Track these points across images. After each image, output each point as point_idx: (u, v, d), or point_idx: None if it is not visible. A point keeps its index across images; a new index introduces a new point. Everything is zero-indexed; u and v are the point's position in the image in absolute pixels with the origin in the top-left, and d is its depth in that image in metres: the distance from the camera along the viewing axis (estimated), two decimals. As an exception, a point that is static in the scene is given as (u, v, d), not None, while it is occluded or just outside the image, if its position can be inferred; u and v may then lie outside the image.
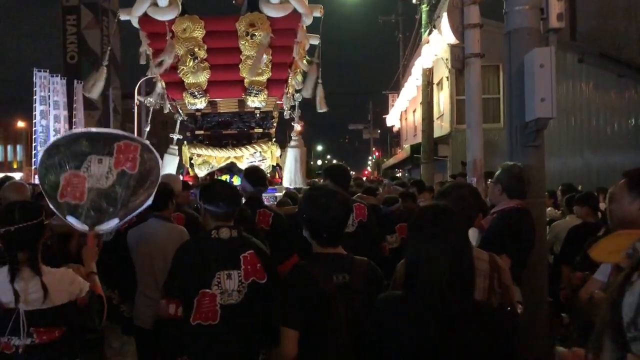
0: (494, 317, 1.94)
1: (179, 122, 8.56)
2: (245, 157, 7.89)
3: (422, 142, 15.32)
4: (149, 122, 9.23)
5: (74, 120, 22.76)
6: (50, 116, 20.92)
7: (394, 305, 1.95)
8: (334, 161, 67.04)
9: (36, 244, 2.29)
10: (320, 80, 8.20)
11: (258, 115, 8.02)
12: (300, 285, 2.26)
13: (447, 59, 15.66)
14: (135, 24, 7.48)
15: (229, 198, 2.87)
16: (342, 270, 2.28)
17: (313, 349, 2.24)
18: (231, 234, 2.79)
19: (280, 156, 8.31)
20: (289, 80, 7.96)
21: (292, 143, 8.27)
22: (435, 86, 16.89)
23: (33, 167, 24.08)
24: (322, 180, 4.86)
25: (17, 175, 28.08)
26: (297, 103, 8.73)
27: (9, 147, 41.94)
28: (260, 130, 8.09)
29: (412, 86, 19.47)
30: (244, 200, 3.92)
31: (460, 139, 16.24)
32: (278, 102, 8.09)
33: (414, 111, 24.22)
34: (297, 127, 8.71)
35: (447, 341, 1.78)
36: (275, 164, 8.05)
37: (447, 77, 16.68)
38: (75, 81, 23.27)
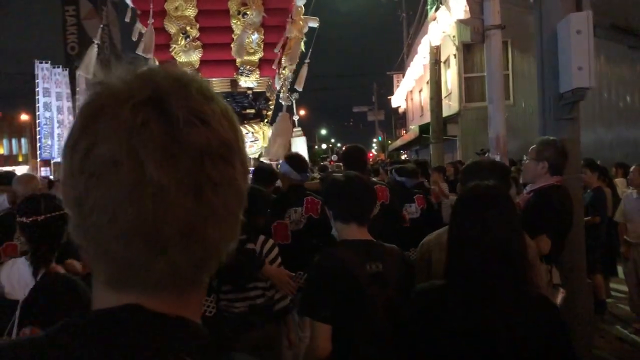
0: (550, 309, 1.75)
1: None
2: None
3: (430, 122, 15.07)
4: None
5: (76, 111, 22.62)
6: (54, 108, 20.77)
7: (435, 296, 1.79)
8: (338, 144, 66.80)
9: (58, 238, 2.20)
10: (307, 60, 8.22)
11: (251, 95, 8.02)
12: (332, 275, 2.10)
13: (454, 36, 15.44)
14: (128, 1, 7.38)
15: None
16: (375, 259, 2.14)
17: (348, 342, 2.08)
18: None
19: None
20: (282, 60, 7.89)
21: (277, 119, 8.28)
22: (442, 64, 16.58)
23: (38, 160, 24.02)
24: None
25: (24, 168, 28.02)
26: (288, 84, 8.73)
27: (13, 141, 41.87)
28: (253, 110, 8.13)
29: (418, 65, 19.16)
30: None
31: (470, 117, 16.02)
32: (270, 82, 8.03)
33: (420, 91, 23.91)
34: (284, 104, 8.60)
35: (496, 336, 1.62)
36: (267, 145, 8.03)
37: (455, 55, 16.39)
38: (77, 71, 22.97)
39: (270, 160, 7.58)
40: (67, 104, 21.34)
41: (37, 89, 20.46)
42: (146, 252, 0.57)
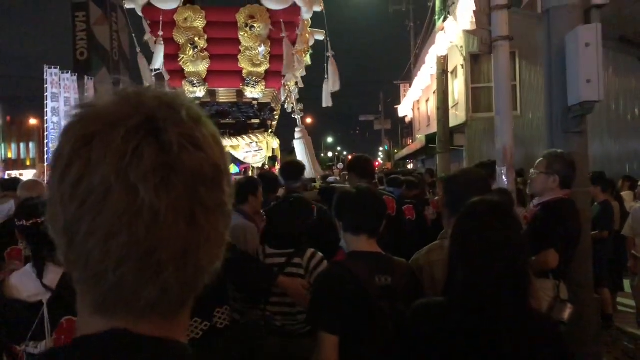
0: (552, 329, 1.71)
1: None
2: (242, 146, 8.20)
3: (437, 131, 15.03)
4: None
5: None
6: (62, 113, 20.87)
7: (435, 313, 1.73)
8: (345, 153, 66.81)
9: None
10: (326, 76, 8.32)
11: (256, 106, 8.22)
12: (341, 286, 2.08)
13: (461, 46, 15.42)
14: (139, 12, 7.56)
15: None
16: (384, 272, 2.14)
17: (356, 355, 2.05)
18: None
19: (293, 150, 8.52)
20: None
21: (297, 135, 8.58)
22: (449, 74, 16.55)
23: (46, 164, 24.12)
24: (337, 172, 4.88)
25: (32, 173, 28.18)
26: (296, 96, 9.02)
27: (21, 145, 42.11)
28: (257, 120, 8.40)
29: (425, 75, 19.14)
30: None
31: (477, 127, 15.96)
32: (275, 94, 8.29)
33: (427, 101, 23.88)
34: (298, 119, 8.92)
35: (497, 355, 1.58)
36: (272, 155, 8.33)
37: (462, 65, 16.35)
38: (86, 77, 23.17)
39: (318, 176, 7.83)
40: (75, 110, 21.44)
41: (45, 94, 20.57)
42: (138, 278, 0.57)
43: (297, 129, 8.62)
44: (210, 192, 0.59)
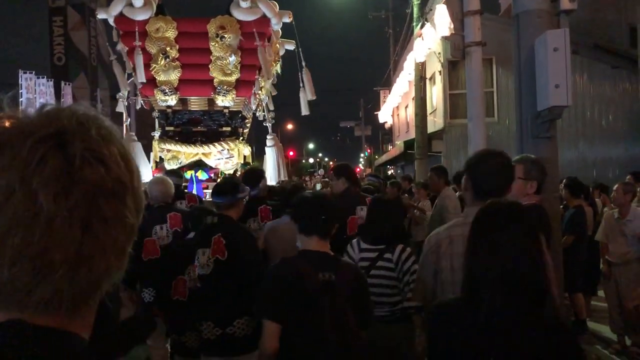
0: (567, 336, 1.66)
1: (157, 119, 8.85)
2: (213, 154, 8.34)
3: (415, 137, 15.08)
4: (128, 117, 9.74)
5: None
6: (37, 118, 20.56)
7: (449, 313, 1.70)
8: (326, 159, 66.88)
9: None
10: (302, 85, 8.60)
11: (227, 114, 8.42)
12: (285, 280, 2.32)
13: (439, 53, 15.51)
14: (111, 22, 7.78)
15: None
16: (327, 269, 2.33)
17: (294, 344, 2.28)
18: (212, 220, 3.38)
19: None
20: (257, 82, 8.30)
21: (268, 143, 8.90)
22: (427, 81, 16.65)
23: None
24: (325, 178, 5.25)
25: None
26: (269, 105, 9.29)
27: (-4, 151, 41.46)
28: (229, 128, 8.53)
29: (404, 81, 19.25)
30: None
31: (454, 133, 16.05)
32: (246, 102, 8.47)
33: (406, 107, 23.99)
34: (269, 127, 9.23)
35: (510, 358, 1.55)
36: (243, 162, 8.49)
37: (440, 72, 16.45)
38: (63, 82, 22.87)
39: (283, 181, 8.12)
40: (50, 115, 21.14)
41: (20, 99, 20.20)
42: (31, 277, 0.60)
43: (268, 137, 8.90)
44: (110, 205, 0.64)
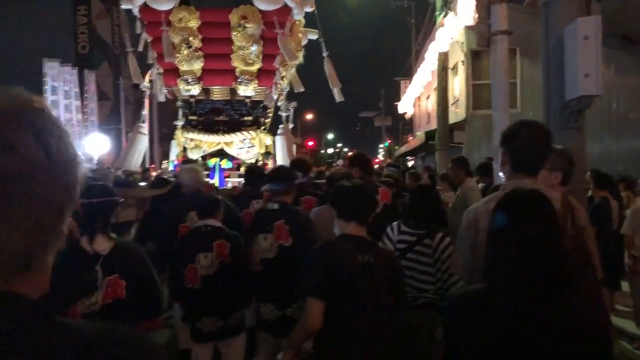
0: (597, 325, 1.62)
1: (180, 109, 8.95)
2: (235, 143, 8.46)
3: (437, 128, 14.95)
4: (145, 107, 10.09)
5: (84, 110, 22.66)
6: (61, 106, 20.80)
7: (470, 303, 1.66)
8: (345, 149, 66.74)
9: (110, 216, 2.74)
10: (325, 54, 8.58)
11: (249, 103, 8.52)
12: (327, 259, 2.45)
13: (462, 43, 15.32)
14: (135, 12, 7.85)
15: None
16: (367, 252, 2.46)
17: (332, 323, 2.39)
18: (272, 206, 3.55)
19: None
20: (279, 71, 8.39)
21: (279, 132, 9.05)
22: (450, 71, 16.46)
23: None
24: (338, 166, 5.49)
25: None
26: (285, 93, 9.35)
27: (21, 138, 42.10)
28: (250, 118, 8.66)
29: (426, 71, 19.03)
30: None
31: (477, 124, 15.87)
32: (268, 92, 8.51)
33: (428, 97, 23.79)
34: (284, 116, 9.32)
35: (538, 348, 1.51)
36: (265, 152, 8.62)
37: (463, 62, 16.27)
38: (86, 71, 23.12)
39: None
40: (75, 103, 21.37)
41: (44, 87, 20.47)
42: None
43: (280, 126, 9.09)
44: (15, 186, 0.66)
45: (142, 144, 9.03)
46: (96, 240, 2.63)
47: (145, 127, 9.21)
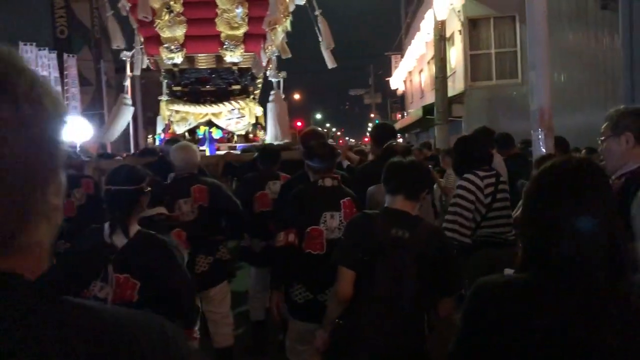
0: None
1: (163, 80, 8.48)
2: (224, 113, 8.02)
3: (435, 102, 14.37)
4: (127, 76, 9.45)
5: (66, 95, 21.89)
6: (39, 91, 20.05)
7: (515, 294, 1.39)
8: (334, 129, 66.20)
9: (131, 207, 2.46)
10: (320, 39, 8.14)
11: (236, 71, 8.12)
12: (359, 230, 2.54)
13: (459, 10, 14.64)
14: None
15: (324, 155, 3.37)
16: (403, 227, 2.43)
17: (359, 293, 2.44)
18: (332, 183, 3.32)
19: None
20: (267, 35, 7.93)
21: (270, 98, 8.39)
22: (446, 42, 15.82)
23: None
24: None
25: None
26: (274, 60, 8.86)
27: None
28: (238, 86, 8.22)
29: (419, 43, 18.43)
30: None
31: (476, 97, 15.33)
32: (256, 58, 8.07)
33: (421, 71, 23.18)
34: (275, 82, 8.71)
35: (596, 344, 1.28)
36: (255, 122, 8.26)
37: (460, 31, 15.62)
38: (67, 55, 22.35)
39: (277, 141, 7.67)
40: (55, 89, 20.66)
41: (21, 72, 19.64)
42: None
43: (272, 92, 8.48)
44: None
45: (127, 114, 8.53)
46: (115, 231, 2.42)
47: (129, 98, 8.77)
